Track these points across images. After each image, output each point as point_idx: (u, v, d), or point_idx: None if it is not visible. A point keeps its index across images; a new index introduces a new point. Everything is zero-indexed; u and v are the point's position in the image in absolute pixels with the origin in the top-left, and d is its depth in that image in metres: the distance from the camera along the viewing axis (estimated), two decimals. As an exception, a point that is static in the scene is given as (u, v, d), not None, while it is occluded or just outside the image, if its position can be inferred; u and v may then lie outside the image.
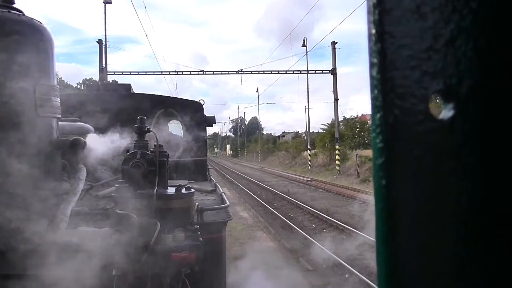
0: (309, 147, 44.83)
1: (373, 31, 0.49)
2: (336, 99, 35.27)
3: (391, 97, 0.49)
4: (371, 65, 0.50)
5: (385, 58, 0.49)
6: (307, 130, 49.56)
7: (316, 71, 37.33)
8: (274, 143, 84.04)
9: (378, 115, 0.49)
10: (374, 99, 0.49)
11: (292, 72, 37.93)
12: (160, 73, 36.68)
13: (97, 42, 30.01)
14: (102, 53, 30.20)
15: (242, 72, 37.26)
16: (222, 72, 37.27)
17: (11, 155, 3.22)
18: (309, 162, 43.78)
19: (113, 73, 32.23)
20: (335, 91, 34.91)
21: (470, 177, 0.49)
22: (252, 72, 37.14)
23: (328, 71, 35.69)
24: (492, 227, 0.50)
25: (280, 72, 37.68)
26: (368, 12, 0.49)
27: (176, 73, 37.33)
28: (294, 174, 40.48)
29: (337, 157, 35.90)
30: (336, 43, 35.10)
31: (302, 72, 38.58)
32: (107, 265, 3.05)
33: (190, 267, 3.36)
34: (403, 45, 0.49)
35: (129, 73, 33.84)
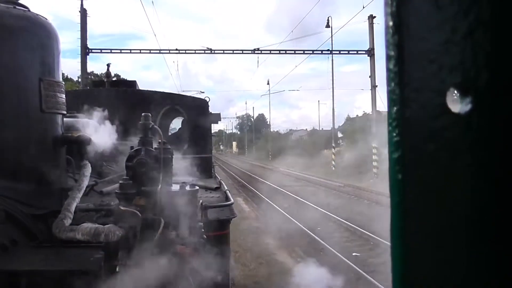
0: (333, 144, 39.37)
1: (390, 23, 0.48)
2: (374, 86, 29.05)
3: (408, 91, 0.48)
4: (388, 57, 0.49)
5: (403, 51, 0.48)
6: (332, 125, 41.77)
7: (350, 52, 30.42)
8: (286, 140, 78.27)
9: (395, 108, 0.48)
10: (390, 92, 0.49)
11: (320, 52, 31.23)
12: (158, 51, 30.24)
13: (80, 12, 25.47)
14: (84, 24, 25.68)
15: (259, 52, 30.86)
16: (235, 51, 30.89)
17: (16, 151, 3.23)
18: (333, 162, 37.57)
19: (100, 50, 28.19)
20: (372, 76, 29.04)
21: (486, 174, 0.48)
22: (271, 52, 30.68)
23: (364, 52, 29.25)
24: (508, 226, 0.49)
25: (305, 52, 30.96)
26: (386, 4, 0.49)
27: (177, 51, 29.89)
28: (317, 177, 33.79)
29: (374, 156, 28.83)
30: (375, 17, 28.72)
31: (332, 52, 31.34)
32: (112, 260, 3.05)
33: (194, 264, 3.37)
34: (421, 38, 0.48)
35: (119, 51, 29.17)
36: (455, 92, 0.49)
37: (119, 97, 5.73)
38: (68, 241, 3.12)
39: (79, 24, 26.22)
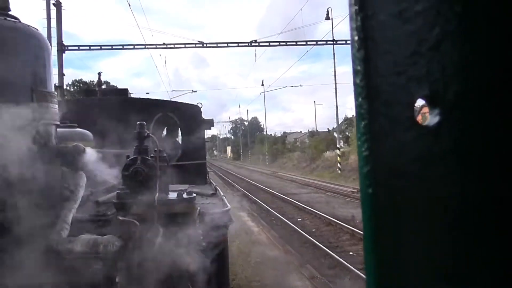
0: (339, 146, 36.53)
1: (356, 37, 0.48)
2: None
3: (376, 104, 0.48)
4: (355, 72, 0.49)
5: (369, 65, 0.48)
6: (337, 124, 39.60)
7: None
8: (284, 143, 73.49)
9: (363, 123, 0.48)
10: (358, 106, 0.49)
11: (325, 42, 29.08)
12: (144, 46, 26.70)
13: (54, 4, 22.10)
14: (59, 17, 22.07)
15: (257, 44, 27.71)
16: (229, 44, 27.43)
17: (9, 162, 3.22)
18: (339, 166, 34.82)
19: (77, 47, 24.93)
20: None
21: (458, 183, 0.48)
22: (270, 44, 27.56)
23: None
24: (481, 234, 0.49)
25: (308, 43, 28.24)
26: (351, 19, 0.49)
27: (165, 46, 26.34)
28: (323, 181, 31.37)
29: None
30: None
31: (337, 42, 28.83)
32: (111, 271, 3.05)
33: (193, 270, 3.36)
34: (387, 51, 0.48)
35: (99, 47, 26.52)
36: (424, 104, 0.49)
37: (111, 105, 5.72)
38: (66, 252, 3.12)
39: (54, 19, 22.70)
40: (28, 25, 3.51)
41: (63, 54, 23.78)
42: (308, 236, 12.99)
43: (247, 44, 27.47)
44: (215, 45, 27.25)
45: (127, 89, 7.04)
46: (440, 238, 0.49)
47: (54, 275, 2.90)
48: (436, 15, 0.48)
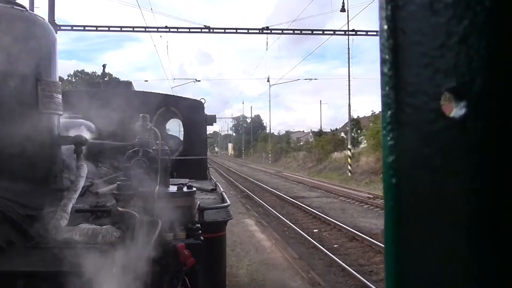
0: (349, 146, 34.35)
1: (385, 27, 0.48)
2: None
3: (403, 95, 0.48)
4: (383, 61, 0.49)
5: (397, 55, 0.48)
6: (349, 122, 37.31)
7: (368, 33, 25.63)
8: (288, 142, 70.83)
9: (389, 112, 0.48)
10: (385, 96, 0.49)
11: (343, 32, 26.80)
12: (144, 29, 23.87)
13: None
14: None
15: (269, 31, 24.71)
16: (238, 31, 24.39)
17: (12, 151, 3.21)
18: (349, 168, 32.73)
19: (70, 27, 23.38)
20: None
21: (480, 177, 0.48)
22: (283, 32, 24.63)
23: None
24: (502, 228, 0.49)
25: (325, 32, 25.67)
26: (380, 8, 0.49)
27: (168, 29, 23.73)
28: (333, 184, 29.03)
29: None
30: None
31: (358, 32, 25.96)
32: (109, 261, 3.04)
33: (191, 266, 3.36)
34: (416, 42, 0.48)
35: (95, 28, 23.73)
36: (450, 96, 0.49)
37: (114, 98, 5.72)
38: (65, 241, 3.11)
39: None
40: (35, 14, 3.50)
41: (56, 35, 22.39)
42: (333, 256, 10.85)
43: (258, 31, 24.74)
44: (223, 30, 24.64)
45: (130, 82, 7.04)
46: (461, 232, 0.49)
47: (52, 263, 2.90)
48: (465, 7, 0.48)
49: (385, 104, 0.49)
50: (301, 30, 24.77)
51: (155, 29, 23.94)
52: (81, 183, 3.66)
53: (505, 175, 0.47)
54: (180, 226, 3.37)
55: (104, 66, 6.85)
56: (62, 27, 22.34)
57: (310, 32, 25.08)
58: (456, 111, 0.48)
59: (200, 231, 3.46)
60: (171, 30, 23.88)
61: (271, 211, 18.40)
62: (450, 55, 0.48)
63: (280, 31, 24.78)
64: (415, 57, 0.48)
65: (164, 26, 23.92)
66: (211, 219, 4.10)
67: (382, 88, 0.49)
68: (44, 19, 3.56)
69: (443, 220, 0.48)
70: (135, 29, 24.07)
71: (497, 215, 0.48)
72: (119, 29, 24.14)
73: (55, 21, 21.02)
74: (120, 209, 3.26)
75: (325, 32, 26.04)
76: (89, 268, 2.89)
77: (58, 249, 3.04)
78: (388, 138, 0.48)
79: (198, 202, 4.01)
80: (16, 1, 3.44)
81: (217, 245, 4.19)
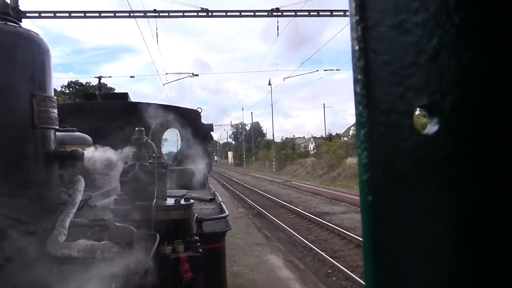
0: None
1: (357, 47, 0.49)
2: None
3: (376, 113, 0.49)
4: (355, 81, 0.50)
5: (369, 75, 0.49)
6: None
7: None
8: (293, 148, 66.73)
9: (363, 131, 0.49)
10: (359, 115, 0.50)
11: None
12: (128, 14, 19.72)
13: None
14: None
15: (279, 13, 20.44)
16: (242, 14, 20.24)
17: (9, 166, 3.22)
18: None
19: (38, 14, 19.38)
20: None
21: (455, 191, 0.49)
22: (297, 14, 20.41)
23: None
24: (479, 240, 0.50)
25: (347, 14, 19.14)
26: (352, 29, 0.50)
27: (157, 14, 19.93)
28: (355, 195, 22.69)
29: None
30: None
31: None
32: (107, 278, 3.04)
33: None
34: (387, 61, 0.49)
35: (68, 14, 19.71)
36: (422, 113, 0.50)
37: (111, 109, 5.73)
38: (63, 257, 3.11)
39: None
40: (29, 30, 3.52)
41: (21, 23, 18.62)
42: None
43: (266, 14, 20.49)
44: (224, 13, 20.33)
45: (127, 93, 7.05)
46: (439, 244, 0.50)
47: (50, 280, 2.89)
48: (434, 26, 0.49)
49: (359, 123, 0.49)
50: (318, 11, 20.27)
51: (142, 14, 19.98)
52: (79, 197, 3.66)
53: (478, 189, 0.48)
54: (178, 239, 3.37)
55: (99, 78, 6.88)
56: (27, 14, 19.05)
57: (329, 13, 20.50)
58: (429, 127, 0.49)
59: (199, 243, 3.45)
60: (161, 14, 19.85)
61: (298, 239, 13.70)
62: (421, 73, 0.49)
63: (294, 13, 20.44)
64: (387, 76, 0.49)
65: (152, 10, 20.09)
66: (209, 230, 4.09)
67: (356, 107, 0.50)
68: (38, 35, 3.58)
69: (420, 235, 0.49)
70: (116, 14, 20.00)
71: (470, 228, 0.48)
72: (97, 14, 20.10)
73: (19, 7, 18.10)
74: (117, 224, 3.25)
75: (347, 14, 22.76)
76: (88, 284, 2.89)
77: (57, 266, 3.03)
78: (363, 156, 0.49)
79: (196, 213, 4.01)
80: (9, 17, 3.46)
81: (216, 256, 4.17)
